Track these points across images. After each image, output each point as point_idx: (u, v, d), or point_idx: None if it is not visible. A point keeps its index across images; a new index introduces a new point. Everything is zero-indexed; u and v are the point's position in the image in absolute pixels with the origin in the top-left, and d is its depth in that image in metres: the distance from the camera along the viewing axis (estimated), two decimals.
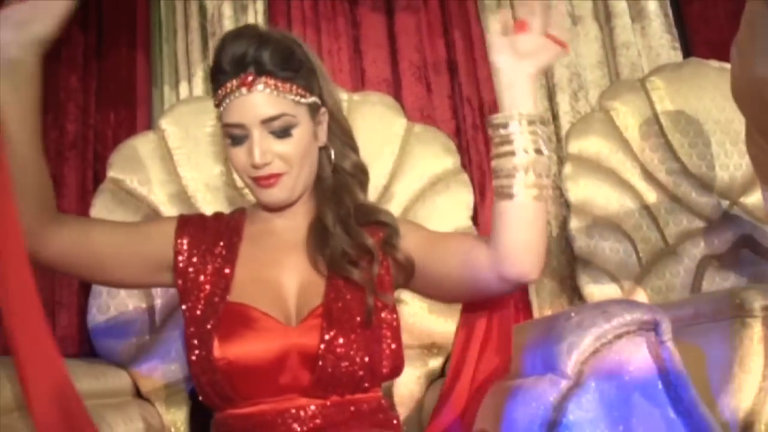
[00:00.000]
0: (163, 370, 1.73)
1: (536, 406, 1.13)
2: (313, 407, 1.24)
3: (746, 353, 1.31)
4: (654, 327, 1.14)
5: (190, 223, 1.37)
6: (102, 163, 1.94)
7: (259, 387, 1.23)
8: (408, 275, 1.35)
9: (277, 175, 1.28)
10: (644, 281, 1.99)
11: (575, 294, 2.08)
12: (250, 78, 1.25)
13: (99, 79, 2.16)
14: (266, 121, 1.26)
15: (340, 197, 1.36)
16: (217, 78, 1.29)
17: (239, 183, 1.76)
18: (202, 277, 1.31)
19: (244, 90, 1.25)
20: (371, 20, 2.27)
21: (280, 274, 1.31)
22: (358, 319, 1.25)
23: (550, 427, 1.11)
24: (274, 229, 1.36)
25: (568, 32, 2.30)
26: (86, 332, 1.79)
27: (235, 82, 1.25)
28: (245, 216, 1.40)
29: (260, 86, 1.25)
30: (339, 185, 1.38)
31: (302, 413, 1.24)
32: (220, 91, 1.27)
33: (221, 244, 1.34)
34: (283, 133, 1.27)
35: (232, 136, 1.28)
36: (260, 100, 1.26)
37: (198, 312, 1.27)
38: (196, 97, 2.15)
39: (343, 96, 1.96)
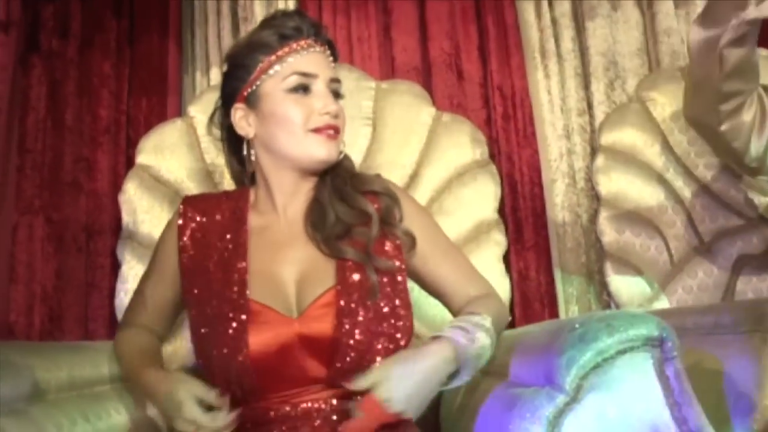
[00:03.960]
0: (189, 350, 1.76)
1: (531, 419, 1.11)
2: (334, 401, 1.25)
3: (765, 370, 1.26)
4: (660, 343, 1.11)
5: (195, 209, 1.42)
6: (134, 148, 1.97)
7: (278, 380, 1.25)
8: (411, 245, 1.38)
9: (337, 131, 1.37)
10: (675, 279, 1.93)
11: (603, 290, 2.03)
12: (326, 44, 1.41)
13: (131, 66, 2.19)
14: (333, 81, 1.38)
15: (334, 169, 1.40)
16: (279, 34, 1.36)
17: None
18: (212, 268, 1.33)
19: (318, 48, 1.38)
20: (402, 7, 2.24)
21: (282, 268, 1.33)
22: (367, 298, 1.26)
23: None
24: (276, 223, 1.39)
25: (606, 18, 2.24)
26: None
27: (309, 40, 1.37)
28: (248, 205, 1.42)
29: (329, 52, 1.42)
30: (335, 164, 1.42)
31: (322, 405, 1.25)
32: (292, 46, 1.36)
33: (228, 237, 1.36)
34: (337, 96, 1.40)
35: (300, 85, 1.35)
36: (328, 61, 1.40)
37: (211, 309, 1.28)
38: None
39: (371, 84, 1.95)
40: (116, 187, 2.06)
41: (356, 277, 1.28)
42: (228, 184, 1.84)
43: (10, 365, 1.23)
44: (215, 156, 1.87)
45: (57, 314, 2.05)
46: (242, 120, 1.38)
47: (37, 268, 2.05)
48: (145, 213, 1.84)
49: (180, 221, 1.41)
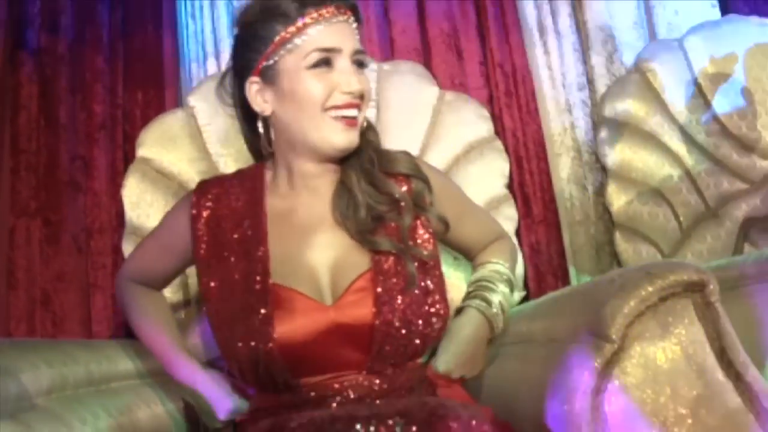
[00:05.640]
0: (198, 347, 1.72)
1: (580, 372, 1.10)
2: (368, 381, 1.23)
3: None
4: (701, 288, 1.11)
5: (210, 195, 1.37)
6: (131, 143, 1.93)
7: (310, 367, 1.22)
8: (445, 229, 1.36)
9: (357, 111, 1.29)
10: (685, 246, 1.95)
11: (614, 260, 2.04)
12: (350, 9, 1.29)
13: (126, 60, 2.15)
14: (357, 52, 1.28)
15: (360, 149, 1.33)
16: (286, 12, 1.26)
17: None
18: (231, 258, 1.30)
19: (341, 17, 1.27)
20: None
21: (312, 253, 1.29)
22: (404, 285, 1.24)
23: (594, 393, 1.08)
24: (299, 206, 1.33)
25: None
26: (121, 314, 1.79)
27: (331, 8, 1.26)
28: (265, 185, 1.37)
29: (354, 18, 1.30)
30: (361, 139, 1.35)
31: (359, 389, 1.23)
32: (312, 15, 1.25)
33: (245, 224, 1.32)
34: (362, 66, 1.30)
35: (322, 59, 1.26)
36: (351, 30, 1.29)
37: (233, 301, 1.25)
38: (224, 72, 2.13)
39: (373, 66, 1.93)
40: (115, 184, 2.03)
41: (391, 261, 1.26)
42: None
43: (28, 360, 1.20)
44: (218, 146, 1.84)
45: (60, 318, 2.01)
46: (258, 95, 1.30)
47: (37, 271, 2.02)
48: (150, 206, 1.80)
49: (194, 211, 1.34)
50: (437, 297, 1.27)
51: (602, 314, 1.10)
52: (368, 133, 1.36)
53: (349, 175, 1.31)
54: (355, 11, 1.31)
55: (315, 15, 1.26)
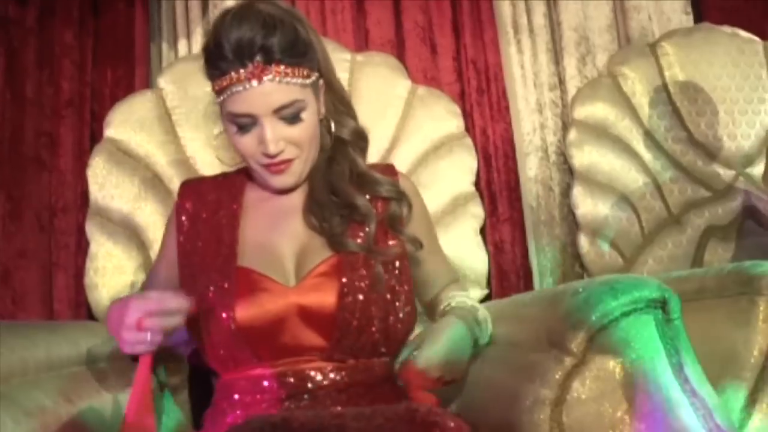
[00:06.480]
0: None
1: (541, 382, 1.12)
2: (329, 369, 1.23)
3: (751, 332, 1.30)
4: (662, 305, 1.13)
5: (191, 190, 1.40)
6: (99, 122, 1.90)
7: (271, 349, 1.23)
8: (415, 250, 1.35)
9: (289, 161, 1.28)
10: (646, 251, 1.98)
11: (576, 262, 2.06)
12: (259, 69, 1.20)
13: (96, 36, 2.10)
14: (278, 110, 1.23)
15: (332, 163, 1.35)
16: (217, 64, 1.23)
17: None
18: (200, 244, 1.32)
19: (254, 82, 1.21)
20: None
21: (279, 238, 1.31)
22: (369, 282, 1.25)
23: (553, 405, 1.10)
24: (273, 201, 1.36)
25: None
26: (83, 294, 1.78)
27: (242, 72, 1.20)
28: (246, 181, 1.40)
29: (270, 75, 1.21)
30: (335, 153, 1.37)
31: (319, 376, 1.23)
32: (223, 80, 1.22)
33: (221, 213, 1.34)
34: (294, 119, 1.25)
35: (240, 124, 1.25)
36: (270, 89, 1.22)
37: (200, 283, 1.26)
38: (195, 54, 2.07)
39: (347, 56, 1.92)
40: (81, 162, 1.99)
41: (360, 256, 1.27)
42: (201, 159, 1.80)
43: None
44: (187, 129, 1.82)
45: (20, 295, 1.98)
46: (220, 115, 1.31)
47: None
48: (115, 188, 1.78)
49: (178, 207, 1.38)
50: (403, 298, 1.28)
51: (565, 327, 1.12)
52: (349, 147, 1.37)
53: (315, 184, 1.34)
54: (283, 57, 1.22)
55: (226, 82, 1.22)
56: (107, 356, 1.48)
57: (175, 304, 1.14)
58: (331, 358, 1.24)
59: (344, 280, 1.24)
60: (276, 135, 1.24)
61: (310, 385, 1.23)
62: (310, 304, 1.23)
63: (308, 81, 1.26)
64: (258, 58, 1.20)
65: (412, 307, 1.30)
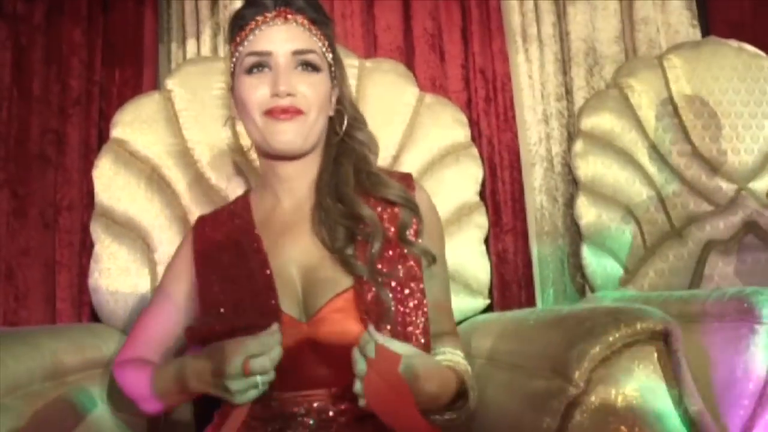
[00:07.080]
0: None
1: (545, 412, 1.14)
2: (339, 401, 1.20)
3: (751, 359, 1.32)
4: (664, 337, 1.15)
5: (204, 224, 1.38)
6: (107, 121, 1.90)
7: (279, 381, 1.15)
8: (428, 264, 1.27)
9: (297, 112, 1.24)
10: (647, 263, 1.99)
11: (577, 273, 2.07)
12: (285, 12, 1.26)
13: (104, 35, 2.09)
14: (298, 53, 1.25)
15: (339, 162, 1.31)
16: (243, 14, 1.27)
17: (246, 145, 1.72)
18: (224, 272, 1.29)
19: (279, 21, 1.25)
20: None
21: (288, 261, 1.25)
22: (380, 313, 1.18)
23: None
24: (280, 213, 1.32)
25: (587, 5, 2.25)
26: (87, 294, 1.78)
27: (268, 15, 1.25)
28: (250, 206, 1.36)
29: (298, 18, 1.27)
30: (343, 151, 1.33)
31: (325, 405, 1.21)
32: (249, 25, 1.26)
33: (241, 238, 1.31)
34: (312, 68, 1.26)
35: (255, 64, 1.25)
36: (294, 32, 1.26)
37: (243, 316, 1.22)
38: (203, 57, 2.09)
39: (355, 62, 1.92)
40: (88, 161, 1.98)
41: (373, 288, 1.20)
42: (207, 162, 1.80)
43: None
44: (194, 132, 1.82)
45: (23, 293, 1.98)
46: (231, 101, 1.34)
47: (2, 244, 1.97)
48: (121, 190, 1.78)
49: (193, 240, 1.36)
50: (415, 330, 1.21)
51: (569, 357, 1.14)
52: (357, 147, 1.33)
53: (322, 191, 1.29)
54: (312, 12, 1.29)
55: (252, 24, 1.26)
56: (109, 360, 1.50)
57: (272, 336, 1.11)
58: (343, 392, 1.18)
59: (364, 316, 1.18)
60: (290, 76, 1.24)
61: (317, 416, 1.20)
62: (325, 341, 1.18)
63: (326, 54, 1.30)
64: (288, 5, 1.26)
65: (426, 336, 1.22)
